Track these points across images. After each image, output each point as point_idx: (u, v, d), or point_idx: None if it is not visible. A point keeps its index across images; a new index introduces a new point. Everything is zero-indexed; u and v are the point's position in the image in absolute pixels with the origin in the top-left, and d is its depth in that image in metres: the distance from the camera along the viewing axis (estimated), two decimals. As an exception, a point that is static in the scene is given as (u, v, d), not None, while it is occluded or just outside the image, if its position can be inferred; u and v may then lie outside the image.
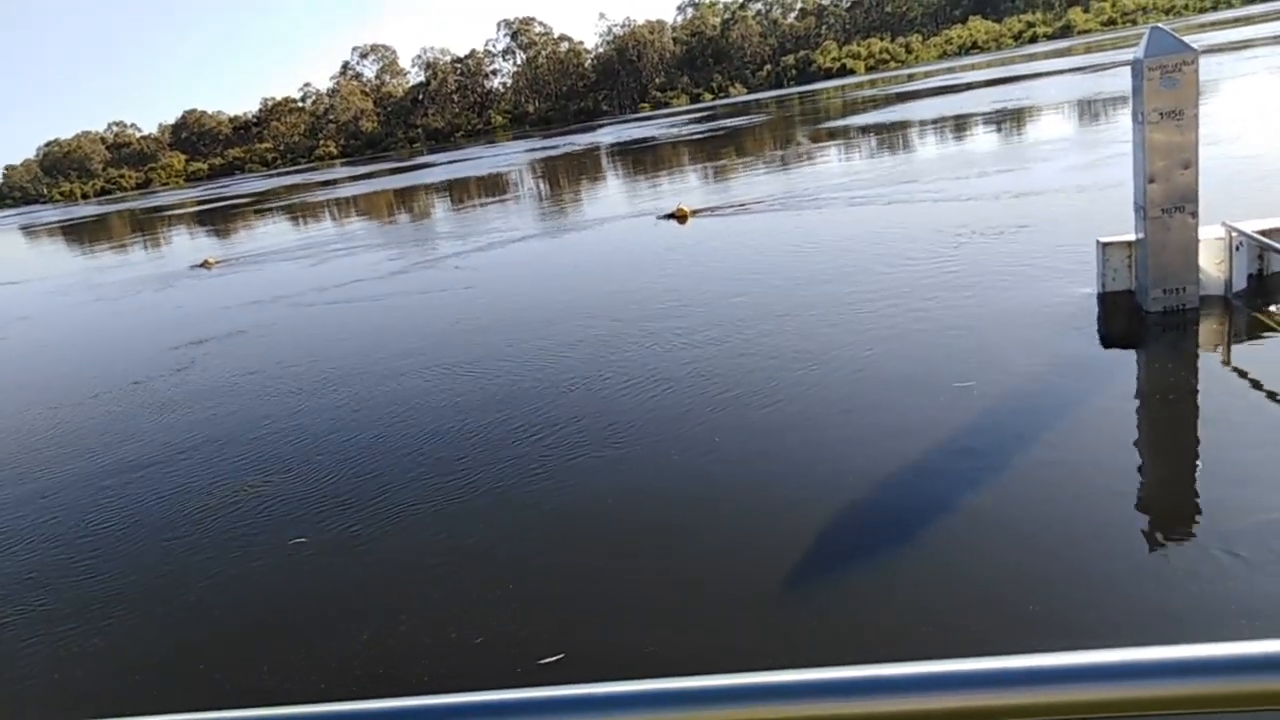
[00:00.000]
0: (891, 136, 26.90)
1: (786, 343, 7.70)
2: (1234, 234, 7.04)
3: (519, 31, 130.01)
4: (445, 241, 19.13)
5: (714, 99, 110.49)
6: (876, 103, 44.20)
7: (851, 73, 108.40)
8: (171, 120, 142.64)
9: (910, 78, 71.37)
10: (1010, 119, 25.58)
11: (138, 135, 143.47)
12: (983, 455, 5.08)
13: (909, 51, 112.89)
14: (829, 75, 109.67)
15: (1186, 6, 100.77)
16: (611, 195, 23.96)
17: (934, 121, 29.18)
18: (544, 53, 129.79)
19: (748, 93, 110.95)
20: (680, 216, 16.54)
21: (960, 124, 26.55)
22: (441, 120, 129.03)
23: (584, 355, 8.33)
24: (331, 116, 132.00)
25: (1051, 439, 5.18)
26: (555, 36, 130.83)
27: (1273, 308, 6.77)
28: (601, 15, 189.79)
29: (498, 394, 7.62)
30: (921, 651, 3.50)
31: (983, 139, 22.00)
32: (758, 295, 9.60)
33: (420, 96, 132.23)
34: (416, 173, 52.02)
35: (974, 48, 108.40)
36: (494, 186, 33.73)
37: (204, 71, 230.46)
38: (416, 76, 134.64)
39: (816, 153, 25.87)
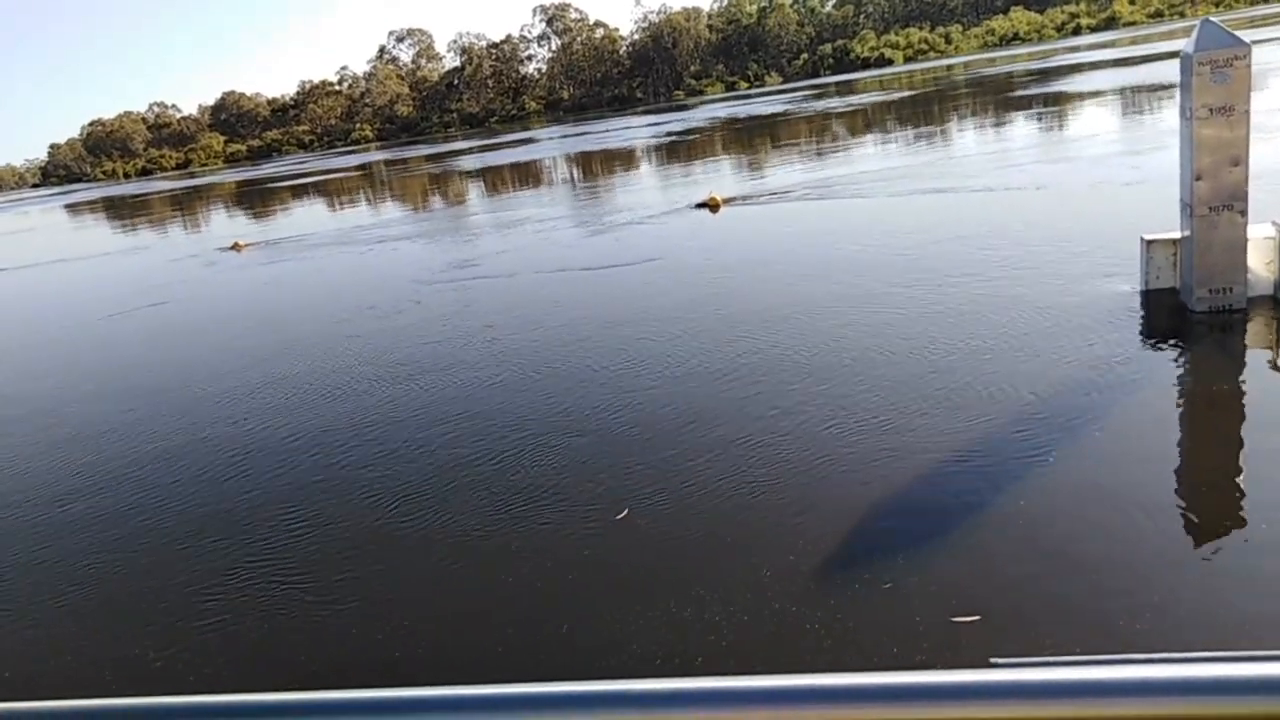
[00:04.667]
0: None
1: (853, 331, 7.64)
2: (1284, 234, 6.87)
3: (555, 17, 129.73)
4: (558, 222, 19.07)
5: (749, 87, 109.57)
6: (1030, 77, 43.33)
7: (890, 63, 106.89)
8: (211, 102, 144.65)
9: (950, 69, 70.30)
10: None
11: (178, 116, 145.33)
12: (1023, 449, 5.01)
13: (948, 42, 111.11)
14: (866, 65, 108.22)
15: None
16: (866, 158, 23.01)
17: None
18: (579, 39, 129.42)
19: (783, 81, 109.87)
20: (713, 206, 16.46)
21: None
22: (476, 105, 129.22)
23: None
24: (368, 100, 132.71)
25: (1093, 439, 5.09)
26: (591, 22, 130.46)
27: (1322, 310, 6.60)
28: (638, 1, 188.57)
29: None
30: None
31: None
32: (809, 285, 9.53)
33: (455, 81, 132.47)
34: (482, 155, 52.15)
35: (1016, 39, 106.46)
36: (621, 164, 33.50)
37: (243, 53, 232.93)
38: (452, 61, 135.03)
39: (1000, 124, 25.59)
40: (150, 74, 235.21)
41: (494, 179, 34.14)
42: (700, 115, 56.02)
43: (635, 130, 50.08)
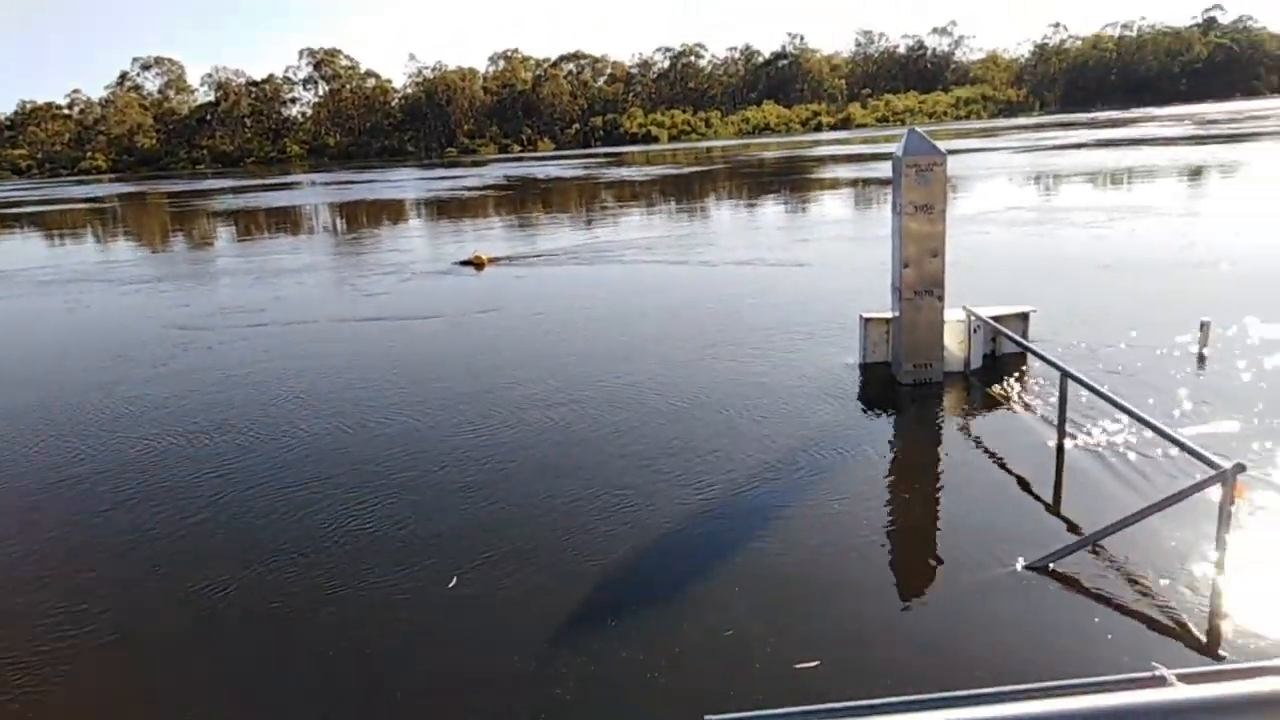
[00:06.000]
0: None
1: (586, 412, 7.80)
2: (973, 318, 7.94)
3: (323, 62, 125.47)
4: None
5: (522, 151, 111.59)
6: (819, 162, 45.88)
7: (655, 140, 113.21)
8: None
9: (710, 151, 75.43)
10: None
11: None
12: (735, 504, 5.35)
13: (708, 125, 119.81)
14: (634, 140, 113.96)
15: (945, 114, 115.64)
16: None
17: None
18: (349, 86, 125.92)
19: (556, 148, 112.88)
20: (477, 264, 16.46)
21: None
22: (231, 144, 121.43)
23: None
24: (103, 128, 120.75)
25: (806, 498, 5.53)
26: (362, 71, 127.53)
27: (1000, 385, 7.65)
28: (412, 56, 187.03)
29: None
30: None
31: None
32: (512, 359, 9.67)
33: (209, 116, 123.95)
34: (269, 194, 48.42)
35: (767, 128, 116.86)
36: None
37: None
38: (206, 95, 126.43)
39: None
40: None
41: (248, 223, 32.07)
42: (492, 173, 56.23)
43: (418, 184, 49.18)
